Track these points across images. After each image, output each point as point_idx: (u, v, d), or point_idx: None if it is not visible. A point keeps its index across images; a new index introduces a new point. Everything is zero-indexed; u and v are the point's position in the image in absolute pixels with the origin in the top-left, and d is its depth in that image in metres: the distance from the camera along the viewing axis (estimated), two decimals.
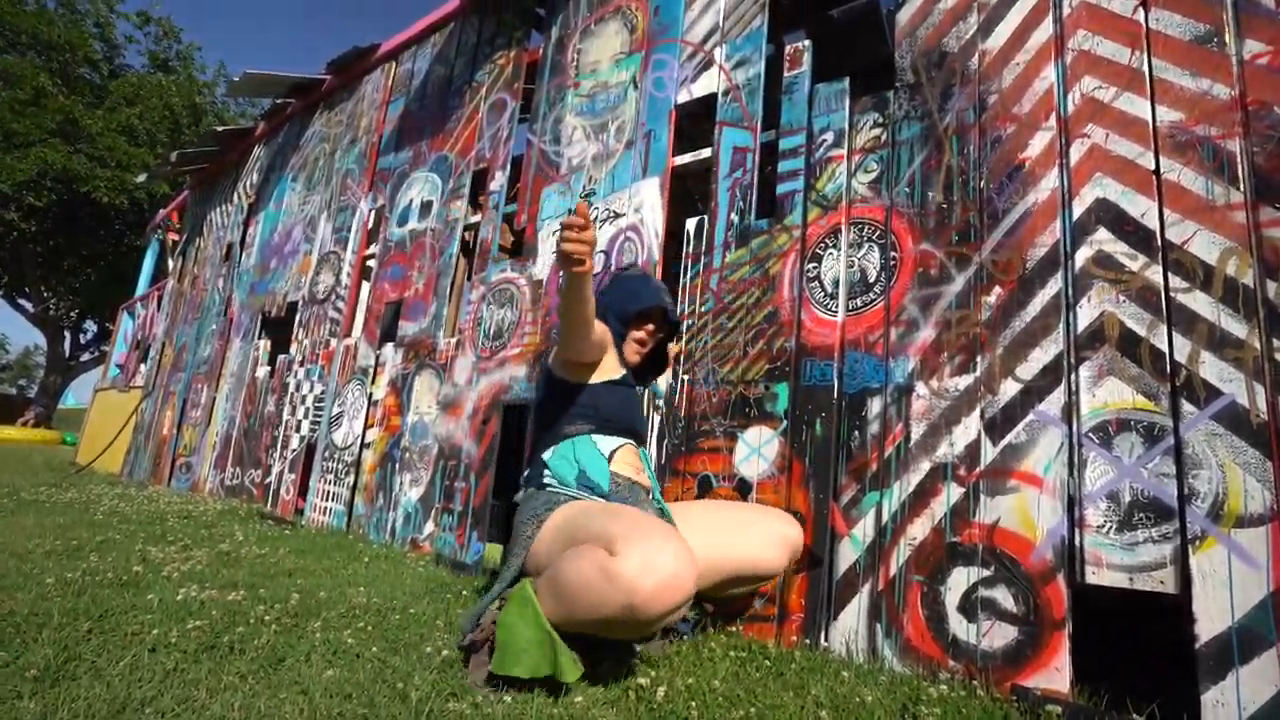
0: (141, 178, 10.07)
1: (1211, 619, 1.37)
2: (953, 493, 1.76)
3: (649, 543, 1.24)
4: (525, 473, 1.85)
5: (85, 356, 21.58)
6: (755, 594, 1.94)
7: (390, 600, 1.96)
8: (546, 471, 1.74)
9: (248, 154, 6.42)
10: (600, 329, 1.73)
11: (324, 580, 2.20)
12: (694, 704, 1.27)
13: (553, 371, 1.83)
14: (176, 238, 8.31)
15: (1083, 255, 1.71)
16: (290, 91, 5.60)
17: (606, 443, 1.77)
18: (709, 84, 2.68)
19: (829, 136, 2.27)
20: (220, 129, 6.62)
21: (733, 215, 2.44)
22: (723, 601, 1.91)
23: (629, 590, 1.18)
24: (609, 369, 1.84)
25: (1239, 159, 1.55)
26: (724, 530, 1.74)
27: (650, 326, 1.95)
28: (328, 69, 5.17)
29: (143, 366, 7.53)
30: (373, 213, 4.38)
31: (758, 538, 1.74)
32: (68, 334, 20.91)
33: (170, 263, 8.17)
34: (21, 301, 19.14)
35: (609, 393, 1.82)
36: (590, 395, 1.79)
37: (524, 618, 1.36)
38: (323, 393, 4.14)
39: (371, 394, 3.74)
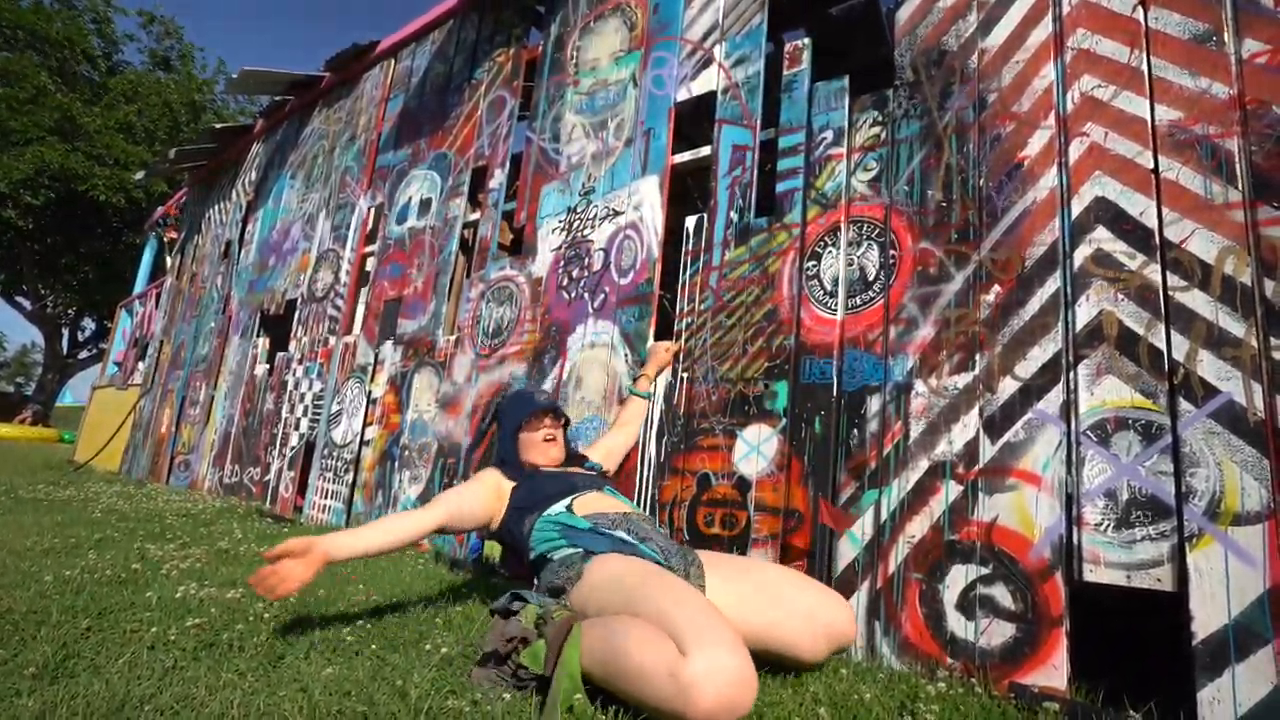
0: (140, 175, 10.05)
1: (1208, 616, 1.37)
2: (951, 491, 1.76)
3: (720, 650, 1.16)
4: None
5: (83, 354, 21.55)
6: None
7: (389, 598, 1.96)
8: (543, 566, 1.75)
9: (246, 151, 6.41)
10: (469, 497, 1.86)
11: (323, 578, 2.19)
12: None
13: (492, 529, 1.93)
14: (175, 235, 8.30)
15: (1081, 254, 1.71)
16: (289, 89, 5.59)
17: (558, 506, 1.81)
18: (708, 82, 2.68)
19: (828, 135, 2.27)
20: (219, 126, 6.61)
21: (732, 213, 2.44)
22: None
23: (690, 701, 1.11)
24: (508, 487, 1.94)
25: (1237, 158, 1.55)
26: (762, 606, 1.51)
27: (545, 422, 2.07)
28: (326, 66, 5.16)
29: (141, 364, 7.52)
30: (372, 210, 4.37)
31: (799, 623, 1.48)
32: (65, 332, 20.89)
33: (168, 260, 8.16)
34: (19, 299, 19.11)
35: (531, 484, 1.91)
36: (518, 496, 1.89)
37: (573, 652, 1.28)
38: (322, 390, 4.14)
39: (370, 392, 3.74)
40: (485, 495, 1.88)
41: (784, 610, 1.48)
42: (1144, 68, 1.73)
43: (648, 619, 1.28)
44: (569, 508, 1.79)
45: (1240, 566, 1.37)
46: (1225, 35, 1.63)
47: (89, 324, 21.47)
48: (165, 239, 9.18)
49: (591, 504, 1.80)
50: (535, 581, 1.77)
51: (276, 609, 1.71)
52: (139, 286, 9.42)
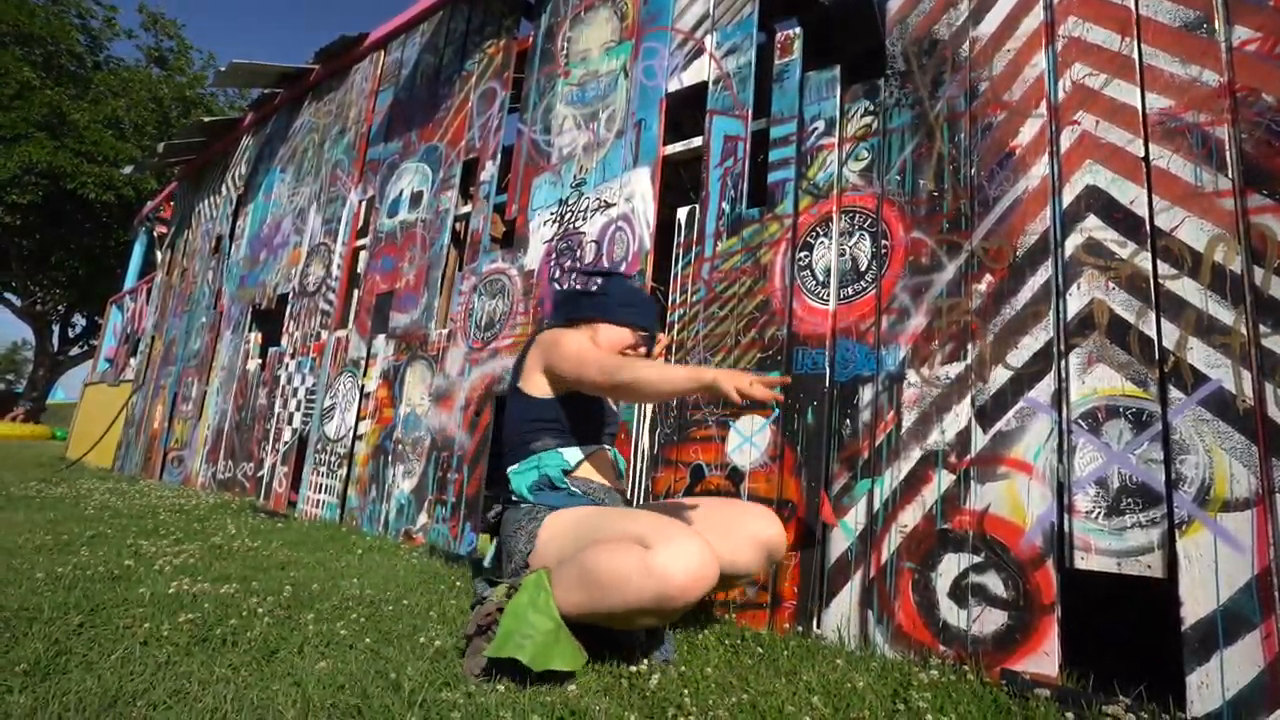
0: (128, 170, 9.96)
1: (1197, 602, 1.38)
2: (944, 480, 1.77)
3: (680, 538, 1.33)
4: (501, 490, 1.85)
5: (74, 351, 21.42)
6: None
7: (383, 592, 1.96)
8: (511, 489, 1.76)
9: (235, 145, 6.35)
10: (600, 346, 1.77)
11: (317, 572, 2.19)
12: (687, 691, 1.28)
13: (523, 390, 1.80)
14: (165, 230, 8.24)
15: (1073, 243, 1.71)
16: (278, 81, 5.54)
17: (573, 453, 1.76)
18: (699, 72, 2.67)
19: (820, 125, 2.26)
20: (207, 119, 6.55)
21: (724, 204, 2.43)
22: None
23: (664, 581, 1.28)
24: None
25: (1227, 145, 1.55)
26: (718, 539, 1.62)
27: (637, 344, 1.93)
28: (316, 58, 5.12)
29: (132, 360, 7.48)
30: (363, 204, 4.34)
31: (737, 540, 1.65)
32: (56, 328, 20.74)
33: (159, 255, 8.10)
34: (8, 295, 18.96)
35: (577, 401, 1.79)
36: (557, 408, 1.77)
37: (536, 605, 1.37)
38: (314, 385, 4.13)
39: (363, 386, 3.73)
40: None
41: (735, 539, 1.65)
42: (1135, 55, 1.73)
43: (614, 540, 1.40)
44: (577, 465, 1.74)
45: (1229, 552, 1.38)
46: (1216, 22, 1.63)
47: (79, 320, 21.31)
48: (155, 234, 9.12)
49: (594, 467, 1.78)
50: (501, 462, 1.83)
51: (270, 604, 1.71)
52: (129, 282, 9.35)
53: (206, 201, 6.73)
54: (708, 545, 1.36)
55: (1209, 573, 1.39)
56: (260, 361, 4.75)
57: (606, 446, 1.86)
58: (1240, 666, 1.32)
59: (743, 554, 1.65)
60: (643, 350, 1.90)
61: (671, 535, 1.34)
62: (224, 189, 6.33)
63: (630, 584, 1.30)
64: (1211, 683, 1.33)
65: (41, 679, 1.15)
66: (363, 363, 3.78)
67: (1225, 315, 1.48)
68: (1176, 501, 1.45)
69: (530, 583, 1.42)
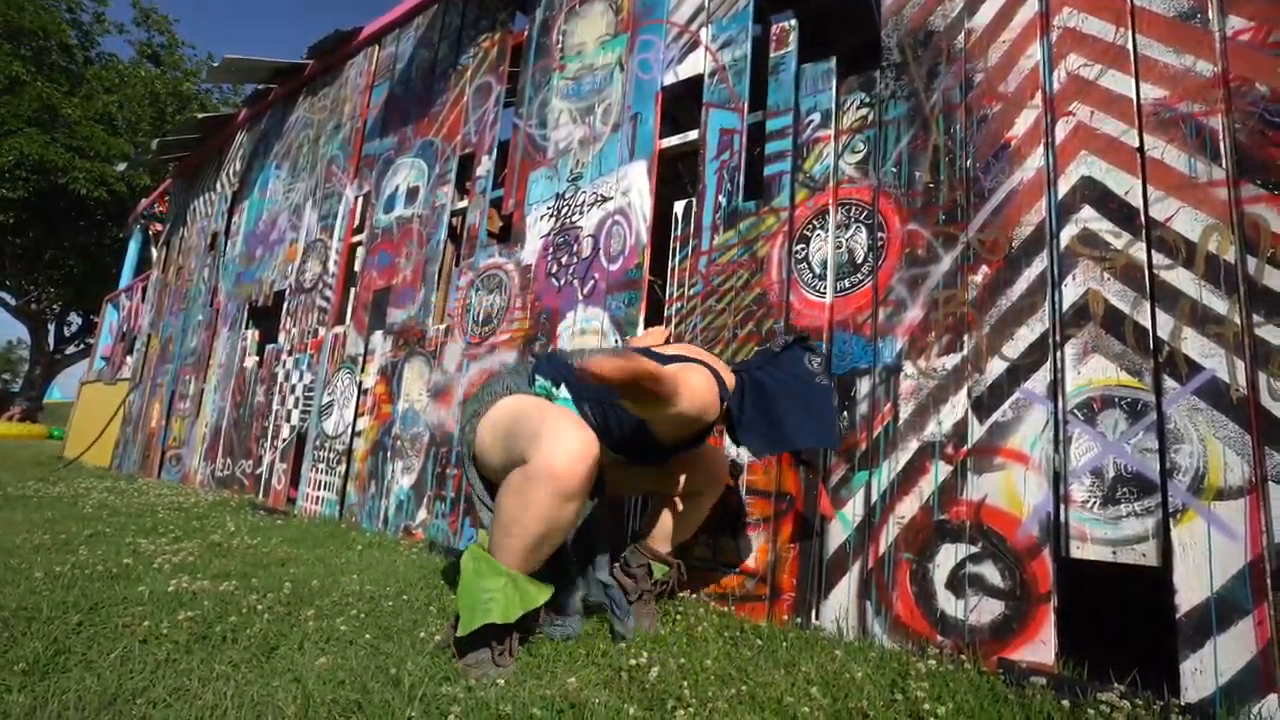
0: (122, 167, 9.91)
1: (1191, 590, 1.39)
2: (941, 471, 1.77)
3: (551, 434, 1.37)
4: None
5: (70, 349, 21.34)
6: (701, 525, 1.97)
7: (383, 587, 1.97)
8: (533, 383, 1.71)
9: (230, 141, 6.32)
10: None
11: (316, 569, 2.20)
12: (686, 683, 1.29)
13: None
14: (160, 228, 8.21)
15: (1068, 234, 1.71)
16: (272, 77, 5.51)
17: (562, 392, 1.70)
18: (695, 65, 2.66)
19: (816, 117, 2.26)
20: (201, 115, 6.52)
21: (720, 197, 2.43)
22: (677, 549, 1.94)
23: (547, 476, 1.32)
24: None
25: (1221, 136, 1.56)
26: (694, 476, 1.88)
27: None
28: (310, 54, 5.09)
29: (129, 358, 7.46)
30: (359, 199, 4.33)
31: (715, 484, 1.90)
32: (52, 327, 20.66)
33: (154, 253, 8.07)
34: (3, 294, 18.88)
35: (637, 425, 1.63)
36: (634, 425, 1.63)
37: (480, 571, 1.40)
38: (312, 382, 4.12)
39: (361, 382, 3.73)
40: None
41: (706, 475, 1.88)
42: (1129, 46, 1.72)
43: (523, 442, 1.42)
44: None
45: (1223, 540, 1.39)
46: (1210, 12, 1.63)
47: (75, 319, 21.23)
48: (151, 231, 9.08)
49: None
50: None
51: (270, 601, 1.71)
52: (125, 280, 9.32)
53: (202, 198, 6.70)
54: (583, 425, 1.40)
55: (1203, 560, 1.39)
56: (258, 359, 4.74)
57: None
58: (1233, 653, 1.33)
59: (716, 495, 1.89)
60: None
61: (547, 432, 1.37)
62: (219, 185, 6.30)
63: (528, 504, 1.34)
64: (1205, 669, 1.35)
65: (41, 678, 1.16)
66: (360, 359, 3.78)
67: (1219, 305, 1.49)
68: (1171, 490, 1.46)
69: (467, 560, 1.45)
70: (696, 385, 1.49)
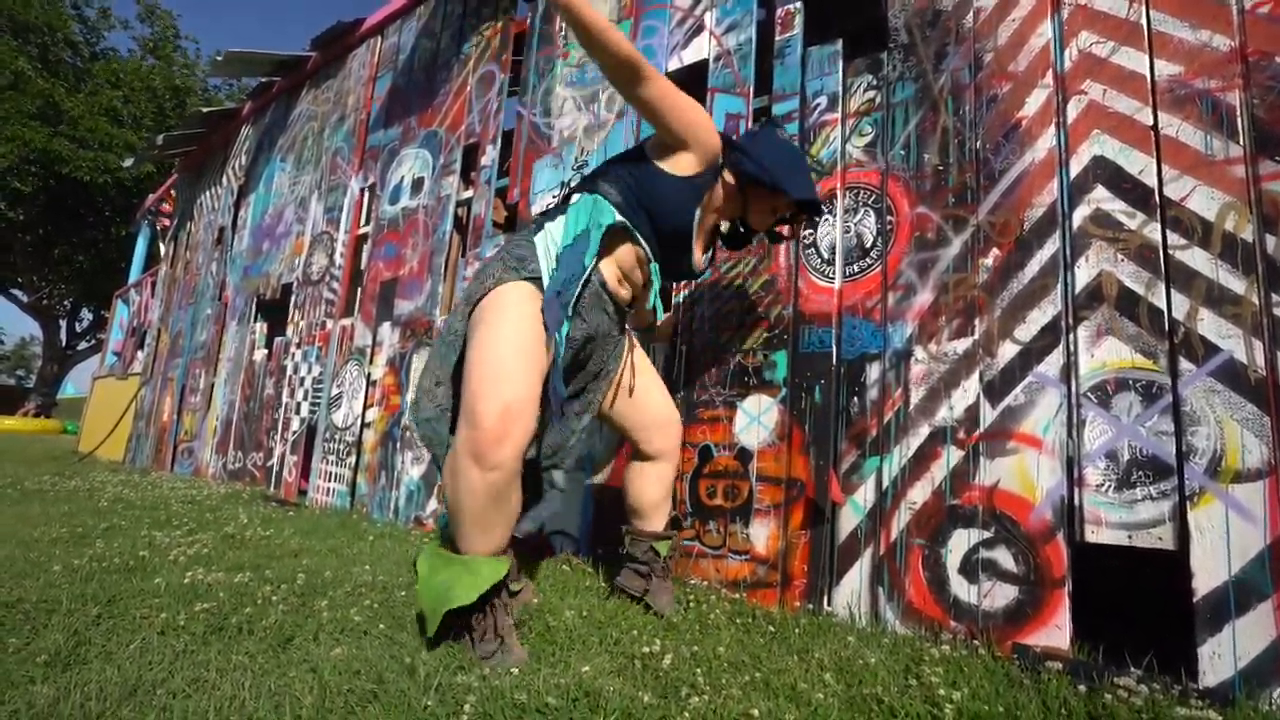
0: (128, 162, 9.94)
1: (1209, 573, 1.38)
2: (952, 456, 1.76)
3: (473, 410, 1.35)
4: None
5: (82, 345, 21.55)
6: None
7: (396, 577, 1.98)
8: (550, 225, 1.60)
9: (235, 135, 6.32)
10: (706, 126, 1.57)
11: (329, 560, 2.21)
12: (699, 671, 1.29)
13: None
14: (167, 223, 8.24)
15: (1080, 214, 1.69)
16: (275, 70, 5.50)
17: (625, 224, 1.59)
18: (700, 50, 2.63)
19: (822, 100, 2.23)
20: (206, 110, 6.52)
21: None
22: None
23: (474, 454, 1.32)
24: (687, 167, 1.59)
25: (1239, 112, 1.53)
26: (638, 413, 1.84)
27: (789, 217, 1.76)
28: (312, 45, 5.07)
29: (140, 353, 7.52)
30: (364, 191, 4.33)
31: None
32: (63, 323, 20.84)
33: (162, 248, 8.11)
34: (14, 291, 19.04)
35: (670, 185, 1.58)
36: (650, 178, 1.58)
37: (435, 567, 1.40)
38: (321, 374, 4.14)
39: (370, 374, 3.74)
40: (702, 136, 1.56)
41: (664, 437, 1.84)
42: (1143, 22, 1.69)
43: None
44: (619, 229, 1.59)
45: (1241, 523, 1.37)
46: None
47: (86, 314, 21.41)
48: (158, 227, 9.11)
49: (621, 260, 1.64)
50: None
51: (284, 592, 1.73)
52: (134, 275, 9.37)
53: (208, 193, 6.72)
54: (504, 392, 1.35)
55: (1220, 544, 1.38)
56: (266, 352, 4.76)
57: (645, 250, 1.63)
58: (1252, 637, 1.32)
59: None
60: (787, 224, 1.78)
61: (470, 408, 1.35)
62: (225, 180, 6.31)
63: (464, 490, 1.34)
64: (1223, 653, 1.34)
65: (63, 669, 1.17)
66: (369, 350, 3.79)
67: (1236, 285, 1.46)
68: (1187, 473, 1.45)
69: (421, 562, 1.45)
70: (685, 99, 1.54)
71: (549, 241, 1.58)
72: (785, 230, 1.87)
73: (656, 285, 1.70)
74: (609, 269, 1.62)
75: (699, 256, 1.74)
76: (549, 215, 1.65)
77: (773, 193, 1.65)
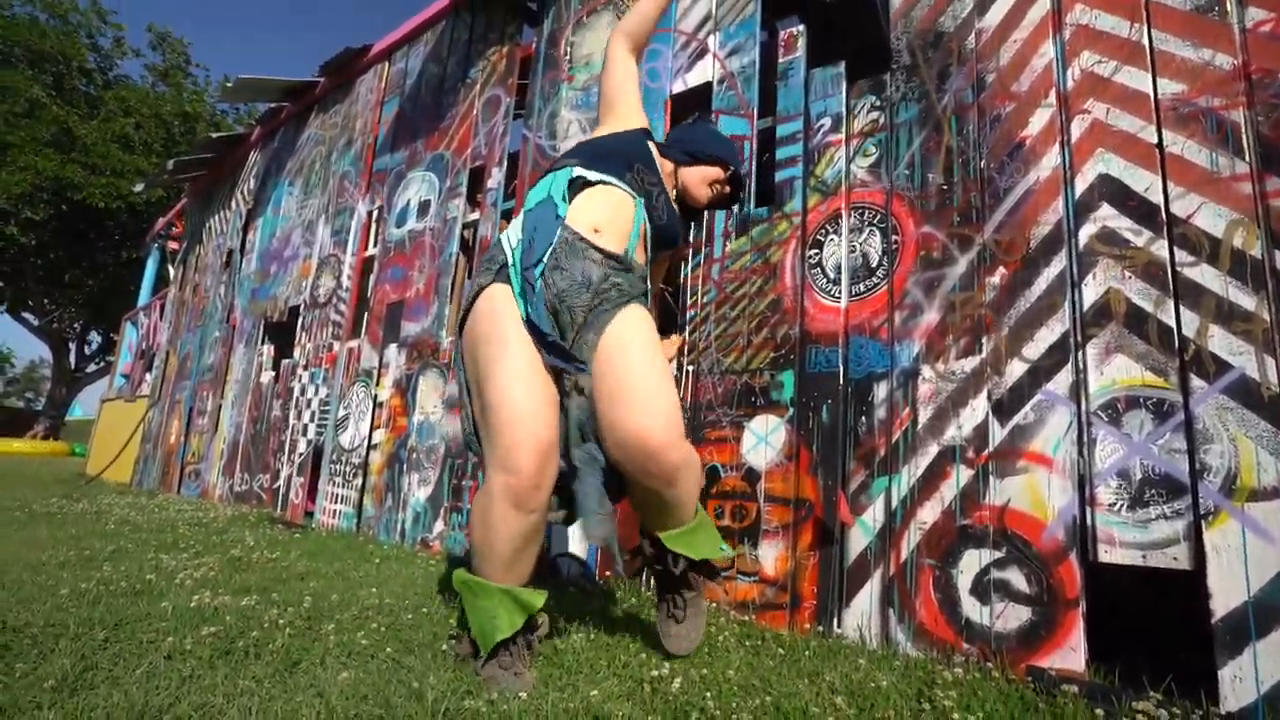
0: (139, 187, 10.09)
1: (1227, 594, 1.36)
2: (962, 475, 1.75)
3: (509, 458, 1.33)
4: None
5: (91, 367, 21.67)
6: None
7: (402, 600, 1.97)
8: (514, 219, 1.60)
9: (244, 160, 6.41)
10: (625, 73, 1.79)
11: (336, 582, 2.20)
12: (709, 694, 1.27)
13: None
14: (176, 246, 8.33)
15: (1086, 232, 1.69)
16: (284, 95, 5.58)
17: (586, 175, 1.57)
18: (704, 73, 2.67)
19: (826, 121, 2.25)
20: (215, 135, 6.62)
21: None
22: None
23: (514, 501, 1.32)
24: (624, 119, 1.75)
25: (1243, 129, 1.53)
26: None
27: (722, 176, 1.77)
28: (321, 71, 5.15)
29: (148, 376, 7.56)
30: (371, 214, 4.37)
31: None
32: (72, 346, 21.00)
33: (171, 271, 8.19)
34: (25, 315, 19.22)
35: (611, 136, 1.70)
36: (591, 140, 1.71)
37: (475, 592, 1.39)
38: (328, 396, 4.15)
39: (376, 395, 3.74)
40: (625, 84, 1.78)
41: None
42: (1145, 41, 1.71)
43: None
44: (573, 192, 1.56)
45: (1259, 543, 1.35)
46: (1228, 4, 1.61)
47: (95, 337, 21.58)
48: (167, 250, 9.21)
49: (593, 205, 1.55)
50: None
51: (291, 615, 1.72)
52: (143, 298, 9.46)
53: (217, 217, 6.79)
54: (535, 431, 1.33)
55: (1238, 564, 1.36)
56: (273, 374, 4.78)
57: (616, 184, 1.58)
58: (1274, 659, 1.29)
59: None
60: (721, 178, 1.77)
61: (497, 451, 1.34)
62: (233, 204, 6.39)
63: (507, 533, 1.34)
64: (1245, 676, 1.31)
65: (70, 694, 1.16)
66: (375, 372, 3.80)
67: (1246, 301, 1.46)
68: (1202, 492, 1.43)
69: (459, 584, 1.43)
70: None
71: (511, 229, 1.56)
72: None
73: (641, 225, 1.61)
74: (580, 220, 1.50)
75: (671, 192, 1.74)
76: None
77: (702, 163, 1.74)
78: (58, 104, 15.40)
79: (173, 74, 18.51)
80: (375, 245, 4.23)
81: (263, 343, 5.07)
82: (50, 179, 14.35)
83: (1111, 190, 1.67)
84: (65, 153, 15.01)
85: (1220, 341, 1.47)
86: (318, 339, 4.42)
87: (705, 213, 1.91)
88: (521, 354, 1.41)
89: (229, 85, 5.28)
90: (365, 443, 3.70)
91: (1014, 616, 1.59)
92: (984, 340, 1.80)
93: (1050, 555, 1.58)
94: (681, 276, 2.51)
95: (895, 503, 1.84)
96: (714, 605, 2.04)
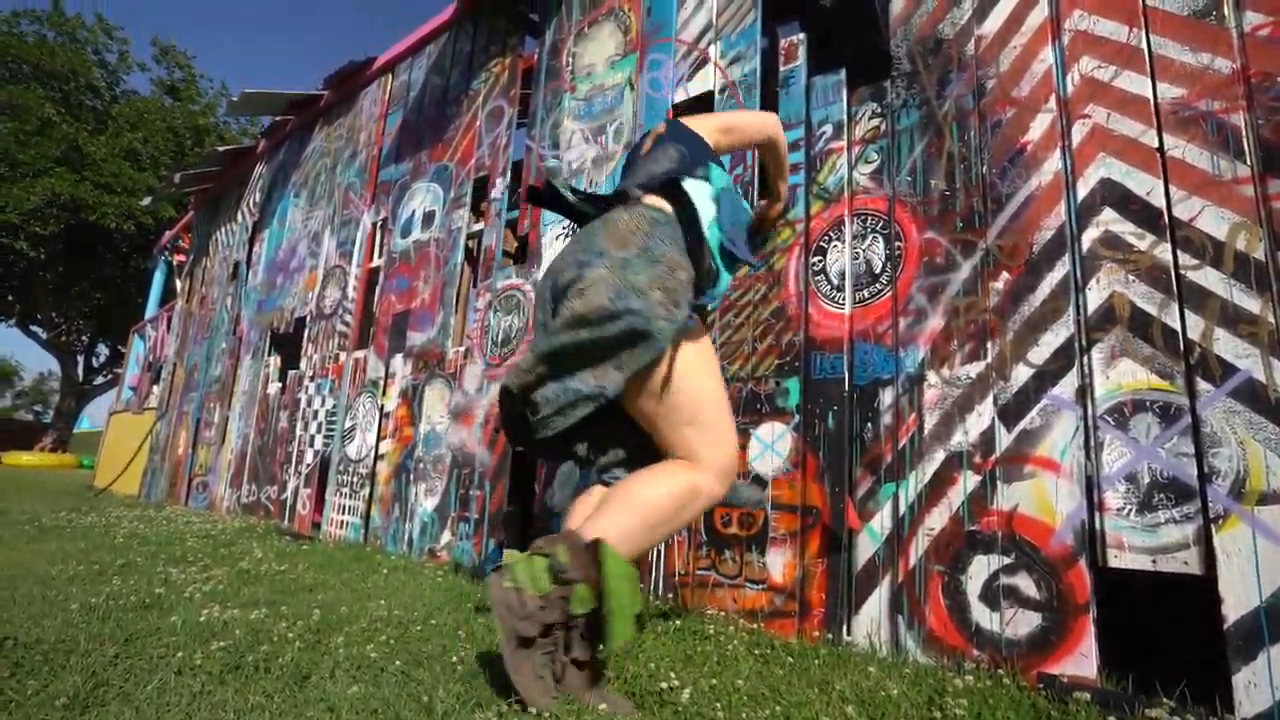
0: (147, 201, 10.17)
1: (1238, 599, 1.35)
2: (969, 481, 1.75)
3: (731, 444, 1.44)
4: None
5: (99, 380, 21.81)
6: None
7: (411, 612, 1.97)
8: (697, 185, 1.46)
9: (250, 172, 6.46)
10: None
11: (344, 594, 2.21)
12: (719, 705, 1.27)
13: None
14: (183, 259, 8.39)
15: (1089, 237, 1.69)
16: (289, 108, 5.63)
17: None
18: (705, 82, 2.68)
19: (828, 129, 2.26)
20: (222, 148, 6.67)
21: None
22: None
23: (728, 479, 1.43)
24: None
25: (1244, 132, 1.53)
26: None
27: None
28: (325, 84, 5.20)
29: (155, 388, 7.60)
30: (376, 225, 4.39)
31: None
32: (80, 358, 21.13)
33: (178, 284, 8.24)
34: (34, 328, 19.36)
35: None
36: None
37: (628, 576, 1.26)
38: (334, 407, 4.17)
39: (383, 406, 3.76)
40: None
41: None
42: (1144, 46, 1.71)
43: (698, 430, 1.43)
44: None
45: (1269, 547, 1.35)
46: (1225, 9, 1.61)
47: (103, 350, 21.72)
48: (174, 263, 9.27)
49: None
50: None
51: (300, 628, 1.72)
52: (150, 311, 9.52)
53: (223, 229, 6.84)
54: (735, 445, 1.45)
55: (1249, 568, 1.36)
56: (280, 385, 4.80)
57: None
58: None
59: None
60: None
61: (726, 441, 1.43)
62: (240, 216, 6.43)
63: (688, 511, 1.38)
64: (1259, 682, 1.30)
65: (81, 712, 1.17)
66: (381, 382, 3.81)
67: (1251, 304, 1.46)
68: (1211, 495, 1.42)
69: (607, 566, 1.25)
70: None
71: (703, 192, 1.46)
72: None
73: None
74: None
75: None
76: (657, 189, 1.49)
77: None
78: (67, 121, 15.57)
79: (186, 88, 18.71)
80: (380, 256, 4.26)
81: (269, 354, 5.10)
82: (65, 199, 14.51)
83: (1114, 194, 1.68)
84: (75, 170, 15.17)
85: (1226, 344, 1.47)
86: (324, 350, 4.44)
87: None
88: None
89: (235, 99, 5.33)
90: (372, 453, 3.71)
91: (1024, 622, 1.59)
92: (989, 345, 1.80)
93: (1059, 560, 1.57)
94: None
95: (903, 509, 1.84)
96: (722, 614, 2.04)
